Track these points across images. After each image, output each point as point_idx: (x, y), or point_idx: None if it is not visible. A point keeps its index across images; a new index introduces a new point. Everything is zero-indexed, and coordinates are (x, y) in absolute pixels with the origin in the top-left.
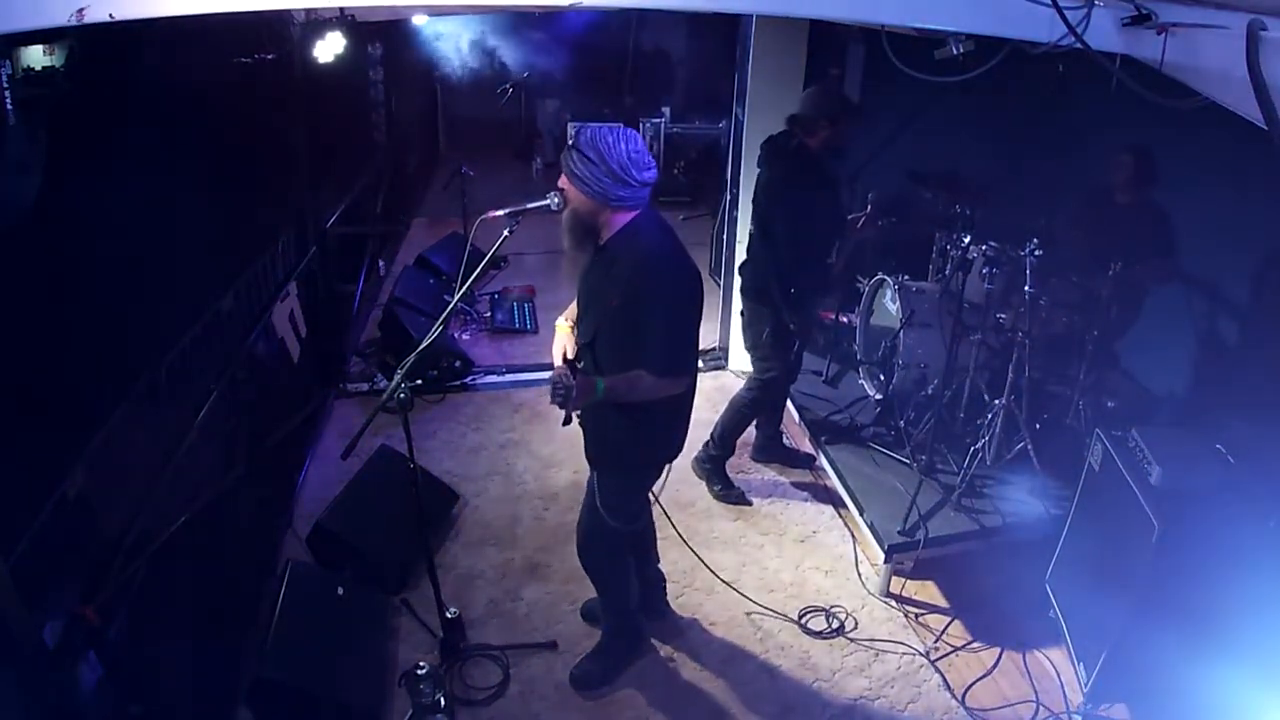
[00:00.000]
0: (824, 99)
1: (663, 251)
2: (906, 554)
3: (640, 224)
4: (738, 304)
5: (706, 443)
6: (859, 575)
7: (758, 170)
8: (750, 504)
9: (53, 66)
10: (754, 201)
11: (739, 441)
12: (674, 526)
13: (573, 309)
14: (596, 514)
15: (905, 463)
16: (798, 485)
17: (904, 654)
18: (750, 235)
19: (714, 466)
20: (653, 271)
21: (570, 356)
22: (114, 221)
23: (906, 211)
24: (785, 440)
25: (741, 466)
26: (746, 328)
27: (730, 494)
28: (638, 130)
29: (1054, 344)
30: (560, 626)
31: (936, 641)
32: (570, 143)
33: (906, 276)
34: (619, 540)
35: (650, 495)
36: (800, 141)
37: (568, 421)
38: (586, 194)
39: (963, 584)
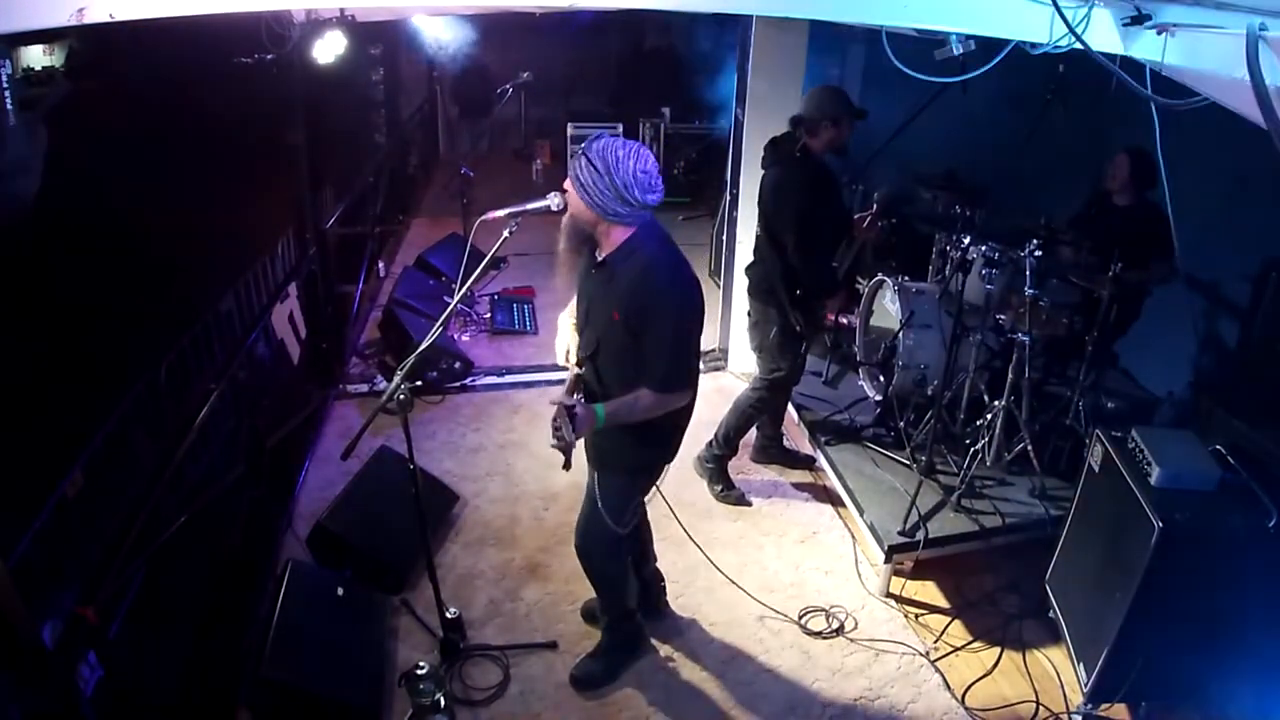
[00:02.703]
0: (828, 100)
1: (664, 264)
2: (906, 554)
3: (640, 238)
4: (738, 305)
5: (710, 442)
6: (859, 575)
7: (762, 171)
8: (750, 504)
9: (53, 66)
10: (759, 202)
11: (739, 442)
12: (681, 525)
13: (574, 306)
14: (596, 515)
15: (905, 463)
16: (798, 485)
17: (904, 654)
18: (757, 236)
19: (716, 466)
20: (654, 285)
21: (574, 358)
22: (114, 221)
23: (906, 212)
24: (785, 442)
25: (741, 467)
26: (753, 328)
27: (731, 494)
28: (637, 131)
29: (1054, 344)
30: (560, 626)
31: (936, 642)
32: (582, 148)
33: (906, 277)
34: (618, 540)
35: (648, 495)
36: (804, 143)
37: (568, 466)
38: (586, 202)
39: (963, 584)
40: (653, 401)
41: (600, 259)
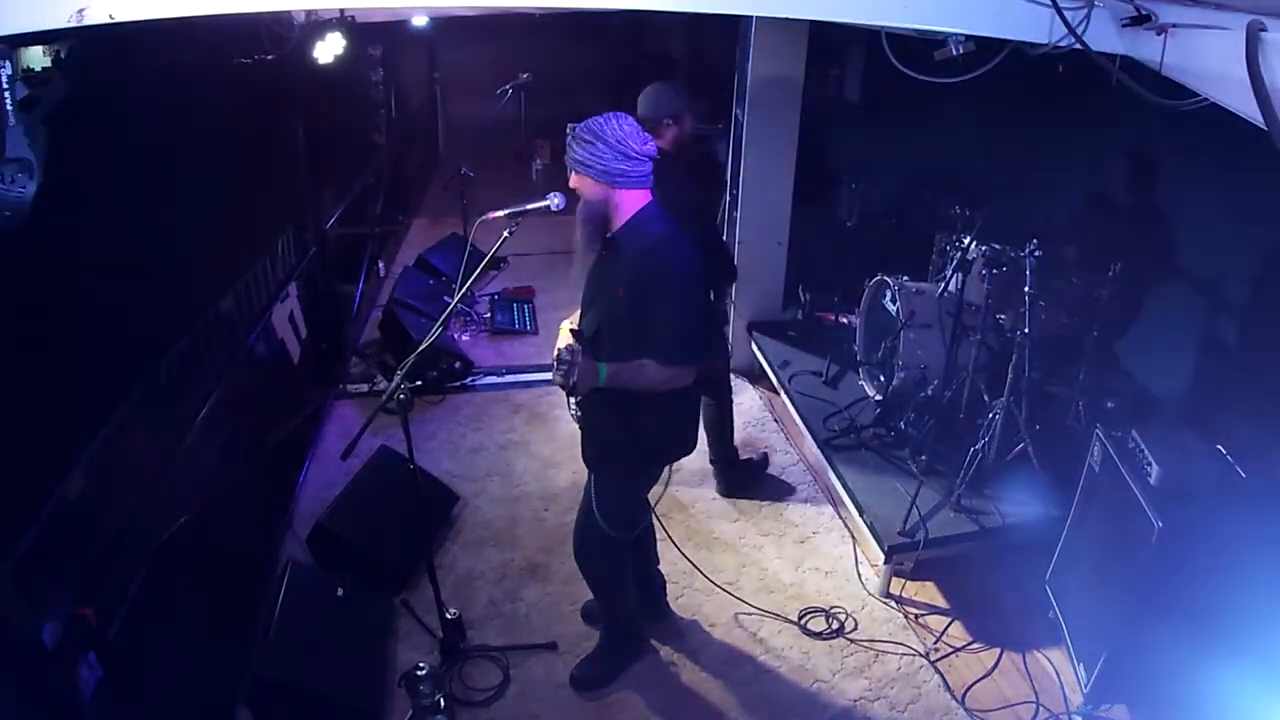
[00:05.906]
0: (665, 97)
1: (669, 240)
2: (906, 555)
3: (646, 216)
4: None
5: (714, 466)
6: (859, 576)
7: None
8: (769, 463)
9: (53, 67)
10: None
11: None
12: (669, 534)
13: (576, 316)
14: (592, 519)
15: (905, 463)
16: (798, 485)
17: (904, 655)
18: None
19: (738, 474)
20: (659, 259)
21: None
22: (114, 222)
23: (906, 212)
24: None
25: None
26: None
27: (759, 471)
28: None
29: (1054, 344)
30: (560, 627)
31: (936, 642)
32: (568, 139)
33: (906, 277)
34: (615, 544)
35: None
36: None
37: (572, 393)
38: (594, 177)
39: (963, 585)
40: (656, 372)
41: (608, 236)
